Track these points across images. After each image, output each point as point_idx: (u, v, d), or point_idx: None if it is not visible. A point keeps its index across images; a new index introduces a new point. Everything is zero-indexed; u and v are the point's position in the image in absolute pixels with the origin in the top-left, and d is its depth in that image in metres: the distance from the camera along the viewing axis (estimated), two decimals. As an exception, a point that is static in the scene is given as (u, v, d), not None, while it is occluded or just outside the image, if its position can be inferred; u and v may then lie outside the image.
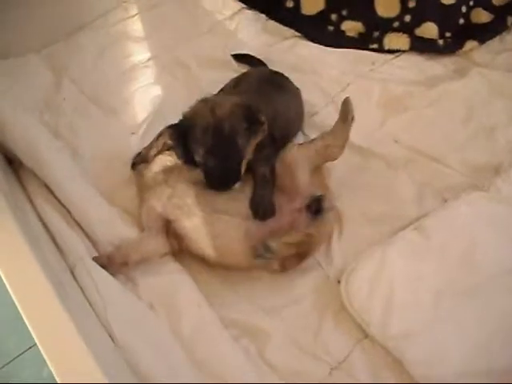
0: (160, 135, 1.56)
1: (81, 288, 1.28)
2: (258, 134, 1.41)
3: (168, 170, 1.50)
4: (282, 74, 1.78)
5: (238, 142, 1.38)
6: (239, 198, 1.43)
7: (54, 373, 0.96)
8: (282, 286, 1.44)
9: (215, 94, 1.67)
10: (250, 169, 1.44)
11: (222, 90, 1.74)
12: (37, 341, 1.00)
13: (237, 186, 1.41)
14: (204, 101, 1.45)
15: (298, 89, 1.77)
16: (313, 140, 1.54)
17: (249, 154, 1.41)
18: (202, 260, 1.45)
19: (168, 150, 1.54)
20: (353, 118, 1.49)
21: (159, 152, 1.56)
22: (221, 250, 1.39)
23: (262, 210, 1.40)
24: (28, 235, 1.17)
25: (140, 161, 1.59)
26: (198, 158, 1.40)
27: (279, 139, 1.53)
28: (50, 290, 1.05)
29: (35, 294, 1.06)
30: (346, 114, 1.48)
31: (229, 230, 1.39)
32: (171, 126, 1.48)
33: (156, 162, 1.55)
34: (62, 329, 1.00)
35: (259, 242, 1.37)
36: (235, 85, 1.72)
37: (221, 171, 1.38)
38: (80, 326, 1.02)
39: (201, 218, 1.39)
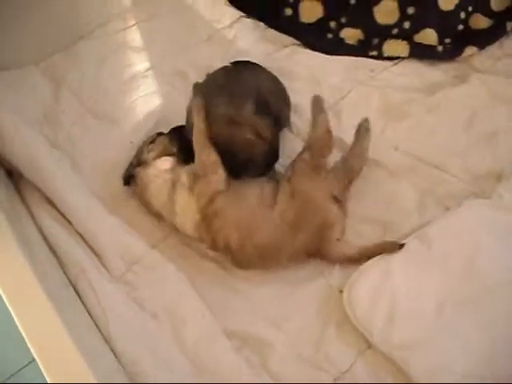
0: (152, 141, 1.62)
1: (83, 302, 1.28)
2: None
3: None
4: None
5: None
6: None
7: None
8: (285, 296, 1.44)
9: None
10: None
11: None
12: (35, 356, 1.00)
13: None
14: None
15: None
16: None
17: None
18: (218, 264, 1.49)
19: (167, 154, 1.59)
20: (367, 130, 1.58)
21: (158, 155, 1.59)
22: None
23: None
24: (27, 249, 1.18)
25: (130, 174, 1.60)
26: None
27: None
28: (49, 306, 1.06)
29: (34, 309, 1.07)
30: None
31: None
32: (171, 132, 1.60)
33: (155, 165, 1.57)
34: (61, 345, 1.00)
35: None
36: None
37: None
38: (79, 342, 1.02)
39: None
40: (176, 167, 1.55)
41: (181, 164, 1.55)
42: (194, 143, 1.49)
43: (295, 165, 1.50)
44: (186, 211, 1.47)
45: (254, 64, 1.78)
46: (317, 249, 1.43)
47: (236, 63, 1.77)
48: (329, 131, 1.52)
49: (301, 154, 1.51)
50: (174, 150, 1.61)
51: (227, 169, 1.48)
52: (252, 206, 1.44)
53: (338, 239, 1.45)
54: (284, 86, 1.78)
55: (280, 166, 1.63)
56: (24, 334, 1.03)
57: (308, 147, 1.51)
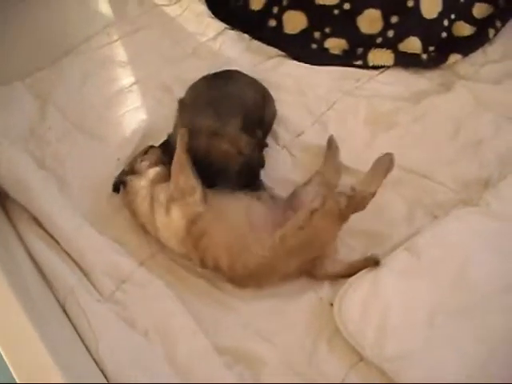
0: (146, 152, 1.65)
1: (72, 323, 1.27)
2: None
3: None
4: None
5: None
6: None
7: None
8: (275, 310, 1.44)
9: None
10: None
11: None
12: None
13: None
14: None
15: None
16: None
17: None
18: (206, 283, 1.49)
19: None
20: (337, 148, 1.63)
21: (151, 165, 1.60)
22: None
23: None
24: (12, 272, 1.16)
25: (121, 180, 1.60)
26: None
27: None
28: (34, 333, 1.04)
29: (18, 337, 1.04)
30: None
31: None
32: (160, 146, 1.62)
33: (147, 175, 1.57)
34: (47, 372, 0.98)
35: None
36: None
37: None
38: (66, 368, 1.00)
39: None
40: (159, 181, 1.55)
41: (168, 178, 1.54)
42: (172, 166, 1.50)
43: (327, 202, 1.39)
44: (167, 228, 1.47)
45: (234, 72, 1.81)
46: (308, 270, 1.44)
47: (216, 74, 1.79)
48: (373, 195, 1.45)
49: (339, 195, 1.41)
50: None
51: (201, 177, 1.48)
52: (240, 225, 1.42)
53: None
54: (264, 89, 1.81)
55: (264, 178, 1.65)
56: (7, 360, 1.02)
57: (349, 197, 1.41)
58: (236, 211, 1.45)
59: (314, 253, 1.42)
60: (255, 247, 1.38)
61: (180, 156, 1.49)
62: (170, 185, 1.48)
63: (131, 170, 1.61)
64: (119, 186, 1.60)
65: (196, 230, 1.42)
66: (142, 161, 1.61)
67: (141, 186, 1.54)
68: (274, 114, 1.81)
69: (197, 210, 1.43)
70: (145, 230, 1.54)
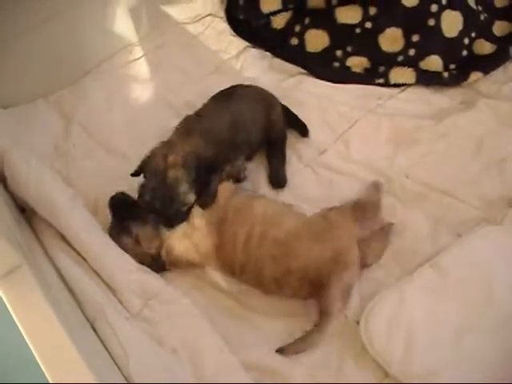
0: None
1: (102, 341, 1.28)
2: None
3: None
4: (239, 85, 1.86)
5: (180, 191, 1.51)
6: None
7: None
8: (301, 328, 1.43)
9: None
10: None
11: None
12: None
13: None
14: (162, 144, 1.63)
15: (255, 92, 1.85)
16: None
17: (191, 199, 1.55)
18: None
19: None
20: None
21: None
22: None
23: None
24: (45, 290, 1.17)
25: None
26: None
27: (242, 143, 1.70)
28: (71, 347, 1.05)
29: (58, 351, 1.05)
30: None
31: None
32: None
33: None
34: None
35: None
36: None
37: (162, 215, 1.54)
38: (102, 380, 1.02)
39: None
40: None
41: None
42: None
43: (342, 205, 1.58)
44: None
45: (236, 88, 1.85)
46: (320, 280, 1.42)
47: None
48: (378, 201, 1.62)
49: (348, 203, 1.58)
50: None
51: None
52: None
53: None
54: (266, 95, 1.86)
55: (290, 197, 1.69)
56: (46, 373, 1.03)
57: (356, 202, 1.58)
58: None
59: (332, 244, 1.44)
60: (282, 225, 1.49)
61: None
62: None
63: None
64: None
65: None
66: None
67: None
68: (279, 115, 1.84)
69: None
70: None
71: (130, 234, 1.54)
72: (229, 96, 1.79)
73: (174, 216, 1.55)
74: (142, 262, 1.52)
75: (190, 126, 1.68)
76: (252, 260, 1.46)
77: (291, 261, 1.43)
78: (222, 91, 1.82)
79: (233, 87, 1.84)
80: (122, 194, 1.60)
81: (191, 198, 1.54)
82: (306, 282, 1.43)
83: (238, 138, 1.69)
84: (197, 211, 1.56)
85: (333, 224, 1.49)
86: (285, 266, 1.43)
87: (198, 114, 1.74)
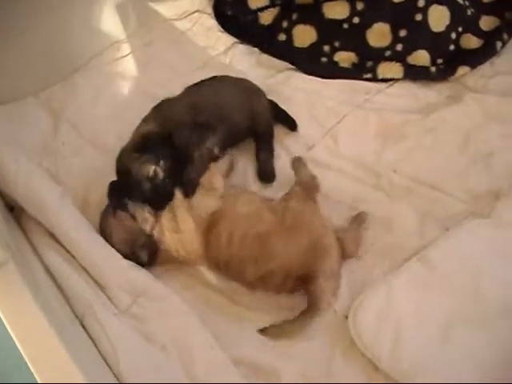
0: None
1: (91, 338, 1.28)
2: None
3: None
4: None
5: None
6: None
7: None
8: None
9: None
10: None
11: None
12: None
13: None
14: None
15: (235, 79, 1.89)
16: None
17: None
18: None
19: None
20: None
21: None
22: None
23: None
24: (32, 287, 1.17)
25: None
26: None
27: (210, 126, 1.69)
28: (59, 344, 1.05)
29: (44, 348, 1.06)
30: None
31: None
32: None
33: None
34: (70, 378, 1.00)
35: None
36: None
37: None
38: (91, 379, 1.02)
39: None
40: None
41: None
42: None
43: (289, 193, 1.57)
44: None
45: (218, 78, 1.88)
46: (305, 273, 1.42)
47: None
48: (313, 176, 1.60)
49: (291, 188, 1.59)
50: None
51: None
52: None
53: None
54: (248, 86, 1.88)
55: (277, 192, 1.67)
56: (35, 373, 1.03)
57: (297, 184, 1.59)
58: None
59: (306, 234, 1.45)
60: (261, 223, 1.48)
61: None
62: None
63: None
64: None
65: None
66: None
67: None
68: (264, 106, 1.84)
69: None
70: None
71: (127, 209, 1.55)
72: (201, 82, 1.83)
73: (155, 198, 1.57)
74: (133, 241, 1.52)
75: (149, 113, 1.75)
76: (235, 259, 1.46)
77: (270, 262, 1.43)
78: (204, 80, 1.86)
79: (214, 76, 1.87)
80: (122, 180, 1.62)
81: (160, 176, 1.56)
82: (292, 278, 1.42)
83: (201, 120, 1.69)
84: (182, 208, 1.55)
85: (297, 216, 1.49)
86: (266, 267, 1.43)
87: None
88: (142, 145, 1.59)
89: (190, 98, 1.74)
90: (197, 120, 1.68)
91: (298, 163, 1.64)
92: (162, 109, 1.72)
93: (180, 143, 1.62)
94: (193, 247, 1.52)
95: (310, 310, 1.40)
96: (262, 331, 1.41)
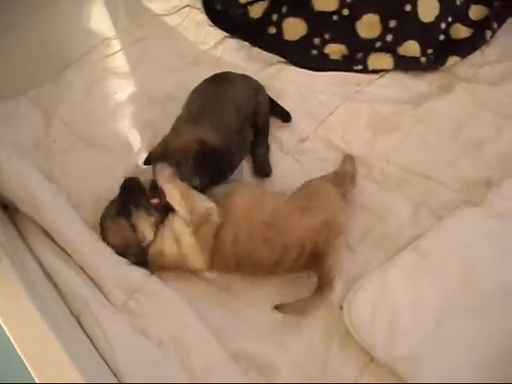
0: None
1: (87, 335, 1.28)
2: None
3: None
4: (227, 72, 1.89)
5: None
6: None
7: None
8: (286, 315, 1.44)
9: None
10: None
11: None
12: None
13: None
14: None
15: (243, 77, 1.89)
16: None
17: None
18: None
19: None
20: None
21: None
22: None
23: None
24: (28, 285, 1.18)
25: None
26: None
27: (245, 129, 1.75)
28: (55, 342, 1.05)
29: (40, 346, 1.06)
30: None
31: None
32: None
33: None
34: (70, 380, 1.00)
35: None
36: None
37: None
38: (88, 376, 1.02)
39: None
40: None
41: None
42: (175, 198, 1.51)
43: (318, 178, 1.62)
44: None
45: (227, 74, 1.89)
46: (319, 249, 1.44)
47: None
48: (354, 171, 1.68)
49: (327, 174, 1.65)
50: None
51: None
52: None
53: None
54: (254, 82, 1.88)
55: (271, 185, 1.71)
56: (32, 372, 1.04)
57: (335, 173, 1.64)
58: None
59: (322, 211, 1.46)
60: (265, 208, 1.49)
61: (179, 187, 1.51)
62: (186, 215, 1.50)
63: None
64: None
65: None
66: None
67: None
68: (266, 101, 1.86)
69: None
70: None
71: (130, 218, 1.53)
72: (224, 82, 1.82)
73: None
74: (126, 248, 1.51)
75: (195, 114, 1.71)
76: (245, 254, 1.45)
77: (285, 237, 1.43)
78: (214, 76, 1.85)
79: (222, 73, 1.87)
80: (138, 181, 1.59)
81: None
82: (306, 252, 1.43)
83: (242, 124, 1.71)
84: (181, 222, 1.52)
85: (316, 191, 1.53)
86: (280, 244, 1.43)
87: (201, 102, 1.75)
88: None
89: (234, 103, 1.73)
90: (241, 124, 1.71)
91: (348, 158, 1.70)
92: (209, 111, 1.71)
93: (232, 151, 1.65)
94: (196, 266, 1.51)
95: (323, 286, 1.41)
96: (277, 308, 1.40)
